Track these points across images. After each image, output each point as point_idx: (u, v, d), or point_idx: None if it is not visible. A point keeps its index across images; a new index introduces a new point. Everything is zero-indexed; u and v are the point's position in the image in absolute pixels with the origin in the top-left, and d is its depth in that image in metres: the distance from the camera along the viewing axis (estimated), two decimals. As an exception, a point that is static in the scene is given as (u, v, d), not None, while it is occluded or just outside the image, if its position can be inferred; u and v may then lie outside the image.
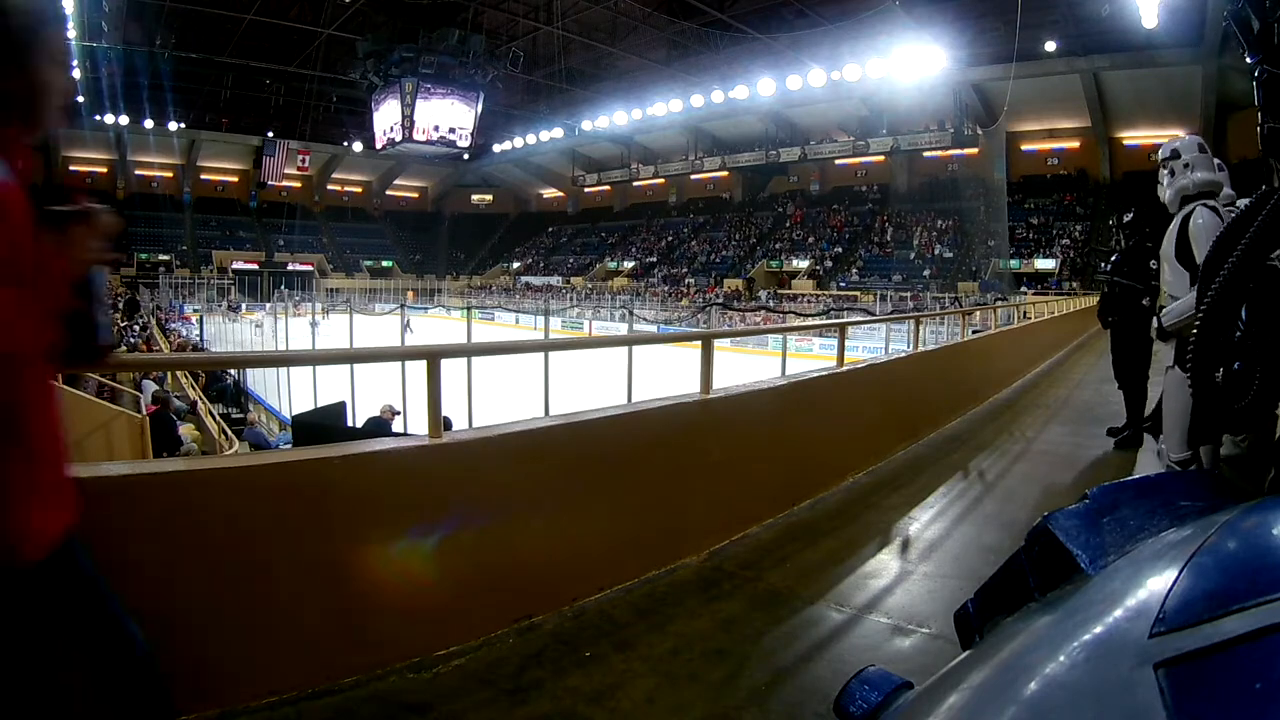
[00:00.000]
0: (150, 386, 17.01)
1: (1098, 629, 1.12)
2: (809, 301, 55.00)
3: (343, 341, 27.53)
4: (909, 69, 51.05)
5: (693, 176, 77.84)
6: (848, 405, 8.19)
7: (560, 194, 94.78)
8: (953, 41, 48.35)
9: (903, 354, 11.07)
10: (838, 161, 66.61)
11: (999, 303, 33.04)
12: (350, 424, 15.03)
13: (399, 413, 14.42)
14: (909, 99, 54.12)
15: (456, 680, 4.10)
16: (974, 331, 16.58)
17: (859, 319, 16.89)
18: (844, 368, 8.26)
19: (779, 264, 64.24)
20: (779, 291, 59.07)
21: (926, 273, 55.11)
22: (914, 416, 9.97)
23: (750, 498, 6.44)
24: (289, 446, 17.14)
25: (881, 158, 62.95)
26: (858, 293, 54.43)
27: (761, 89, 58.94)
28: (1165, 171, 5.81)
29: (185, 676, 3.56)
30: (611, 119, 70.80)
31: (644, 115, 67.73)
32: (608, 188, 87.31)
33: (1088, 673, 1.04)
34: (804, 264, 62.91)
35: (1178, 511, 1.48)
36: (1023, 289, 47.97)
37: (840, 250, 62.67)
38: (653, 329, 47.97)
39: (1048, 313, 23.74)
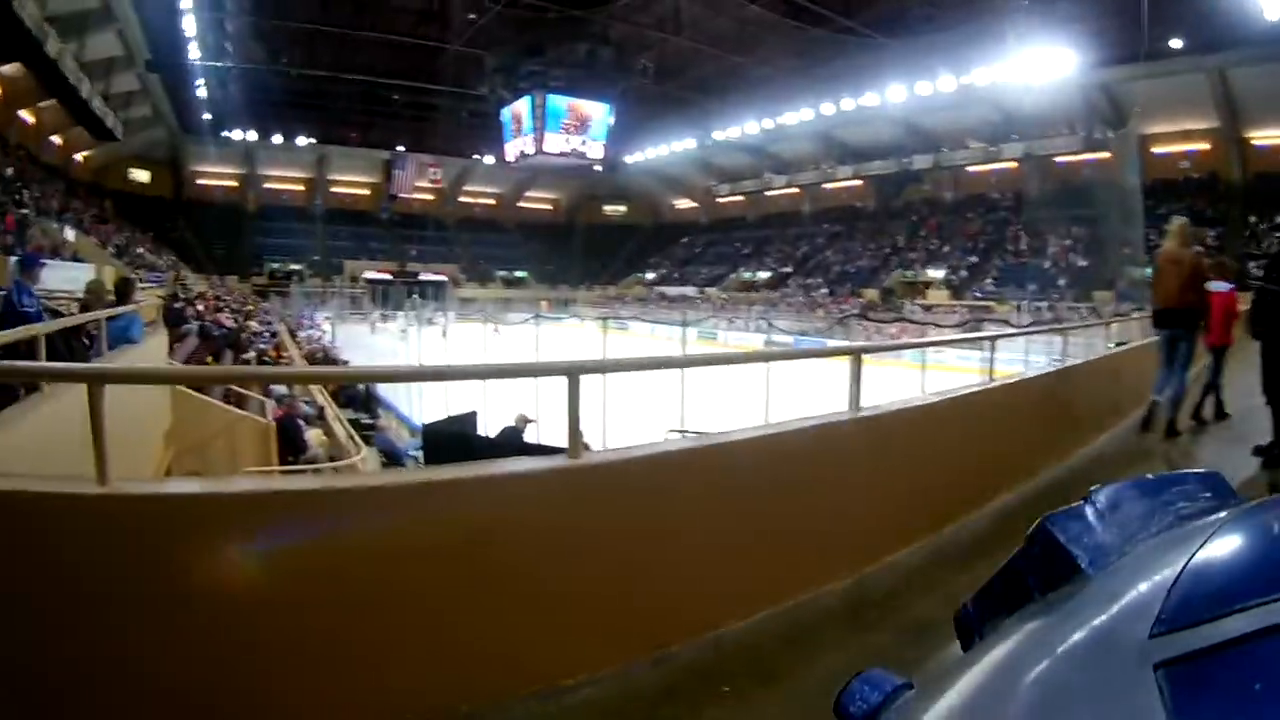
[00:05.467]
0: (278, 390, 17.11)
1: (1098, 630, 1.14)
2: (946, 312, 54.20)
3: (475, 350, 27.57)
4: (1036, 71, 50.24)
5: (825, 185, 77.07)
6: (996, 421, 7.78)
7: (693, 204, 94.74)
8: (1079, 43, 47.46)
9: (1049, 368, 10.54)
10: (969, 168, 65.52)
11: (1136, 314, 32.01)
12: (482, 433, 14.92)
13: (532, 420, 14.26)
14: (1038, 103, 53.30)
15: (583, 712, 3.93)
16: (1116, 344, 15.89)
17: (1011, 332, 16.51)
18: (995, 382, 7.90)
19: (913, 274, 63.05)
20: (918, 302, 57.99)
21: (1061, 282, 53.66)
22: (1060, 433, 9.47)
23: (896, 521, 6.10)
24: (419, 454, 17.20)
25: (1014, 164, 61.52)
26: (993, 303, 53.46)
27: (891, 95, 58.53)
28: None
29: (292, 704, 3.58)
30: (743, 128, 70.81)
31: (775, 124, 67.65)
32: (741, 197, 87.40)
33: (1088, 673, 1.06)
34: (939, 274, 61.79)
35: (1178, 512, 1.50)
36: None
37: (975, 260, 61.33)
38: (789, 339, 47.54)
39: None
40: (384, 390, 25.51)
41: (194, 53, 51.80)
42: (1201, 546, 1.17)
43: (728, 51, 58.95)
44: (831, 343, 47.40)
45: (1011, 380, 8.64)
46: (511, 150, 63.60)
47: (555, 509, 4.13)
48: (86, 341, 9.66)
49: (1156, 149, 53.77)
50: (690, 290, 78.35)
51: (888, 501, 5.87)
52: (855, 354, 6.16)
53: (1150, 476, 1.67)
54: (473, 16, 52.96)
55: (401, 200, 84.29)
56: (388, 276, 79.60)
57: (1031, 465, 8.27)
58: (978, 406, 7.49)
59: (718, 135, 74.14)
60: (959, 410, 7.09)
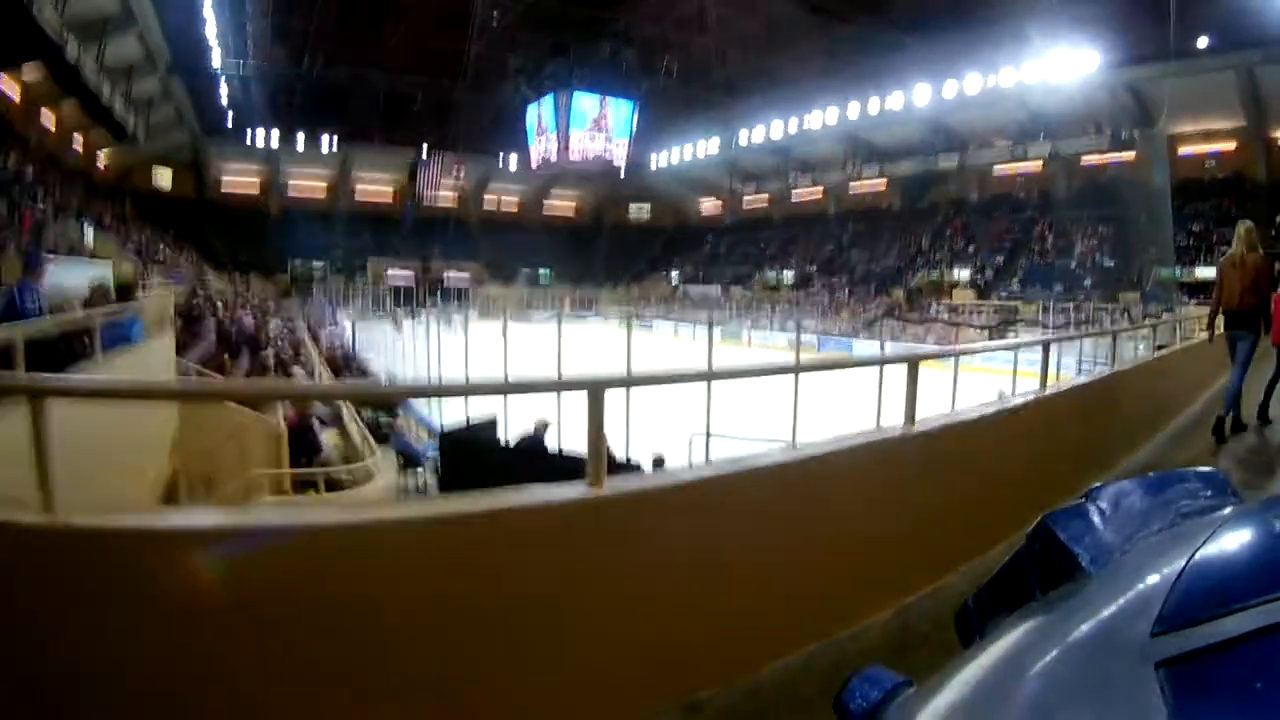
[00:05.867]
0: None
1: (1099, 628, 1.15)
2: (975, 313, 54.37)
3: (496, 351, 27.47)
4: (1062, 70, 50.51)
5: (851, 187, 76.98)
6: (1049, 431, 7.42)
7: (718, 206, 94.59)
8: (1105, 41, 47.65)
9: (1087, 372, 10.21)
10: (995, 169, 65.49)
11: (1167, 315, 31.83)
12: (502, 440, 14.66)
13: (550, 424, 13.98)
14: (1064, 102, 53.45)
15: (604, 768, 3.51)
16: (1157, 347, 15.57)
17: (1068, 335, 16.31)
18: (1046, 391, 7.51)
19: (939, 275, 62.90)
20: (944, 303, 57.87)
21: (1087, 282, 53.28)
22: (1106, 442, 9.05)
23: (944, 542, 5.69)
24: (437, 455, 17.00)
25: (1040, 164, 61.72)
26: (1019, 303, 53.41)
27: (917, 96, 58.73)
28: None
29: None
30: (768, 129, 70.95)
31: (800, 126, 67.67)
32: (766, 198, 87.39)
33: (1088, 671, 1.07)
34: (964, 274, 61.55)
35: (1179, 510, 1.51)
36: (1185, 299, 46.04)
37: (1001, 260, 61.08)
38: (813, 340, 47.25)
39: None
40: (404, 391, 25.36)
41: (216, 56, 52.36)
42: (1202, 545, 1.18)
43: (752, 52, 58.93)
44: (859, 343, 47.26)
45: (1063, 388, 8.31)
46: (536, 151, 63.60)
47: (574, 543, 3.75)
48: (88, 343, 9.34)
49: (1182, 149, 53.70)
50: (714, 291, 78.51)
51: (935, 523, 5.46)
52: (912, 362, 5.69)
53: (1151, 476, 1.74)
54: (495, 17, 52.97)
55: (426, 202, 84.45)
56: (410, 276, 79.85)
57: (1082, 476, 7.84)
58: (1029, 417, 7.11)
59: (743, 137, 74.27)
60: (1011, 421, 6.74)
